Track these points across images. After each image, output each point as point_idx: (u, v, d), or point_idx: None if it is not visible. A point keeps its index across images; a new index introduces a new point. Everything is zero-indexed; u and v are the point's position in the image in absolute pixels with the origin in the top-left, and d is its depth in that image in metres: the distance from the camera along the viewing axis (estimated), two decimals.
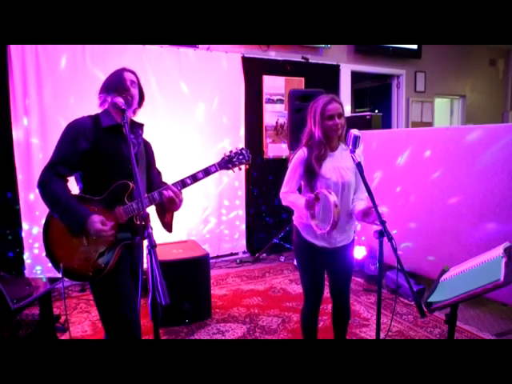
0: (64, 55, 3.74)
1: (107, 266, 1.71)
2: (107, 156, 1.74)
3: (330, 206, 1.84)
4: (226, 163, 1.86)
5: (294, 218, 2.21)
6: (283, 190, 2.13)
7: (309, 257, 2.14)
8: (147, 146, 2.00)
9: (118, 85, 1.78)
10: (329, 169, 2.03)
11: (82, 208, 1.66)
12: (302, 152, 2.08)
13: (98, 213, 1.71)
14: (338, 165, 2.04)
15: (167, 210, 1.86)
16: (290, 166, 2.12)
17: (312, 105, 2.09)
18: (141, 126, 1.92)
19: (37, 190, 1.71)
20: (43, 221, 1.76)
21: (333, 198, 1.82)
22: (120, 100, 1.72)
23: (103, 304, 1.78)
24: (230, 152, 1.88)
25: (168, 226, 1.91)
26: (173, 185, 1.78)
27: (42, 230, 1.76)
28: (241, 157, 1.87)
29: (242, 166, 1.89)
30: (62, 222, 1.67)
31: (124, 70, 1.85)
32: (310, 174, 2.02)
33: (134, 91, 1.81)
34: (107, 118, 1.78)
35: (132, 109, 1.82)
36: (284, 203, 2.14)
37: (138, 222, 1.74)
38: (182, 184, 1.79)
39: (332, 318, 2.30)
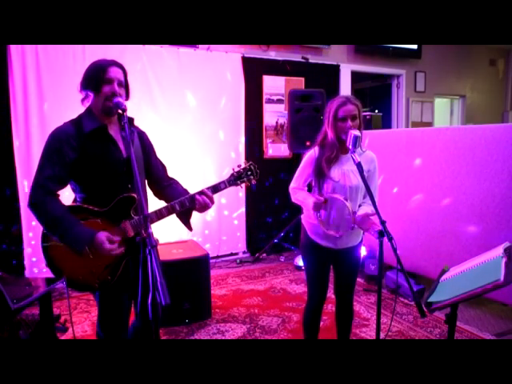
0: (64, 55, 3.74)
1: (114, 279, 1.68)
2: (96, 162, 1.65)
3: (345, 213, 1.93)
4: (236, 180, 1.85)
5: (302, 217, 2.23)
6: (292, 185, 2.17)
7: (314, 256, 2.15)
8: (143, 138, 1.87)
9: (100, 81, 1.63)
10: (338, 171, 2.03)
11: (84, 229, 1.59)
12: (313, 151, 2.09)
13: (102, 226, 1.65)
14: (347, 168, 2.04)
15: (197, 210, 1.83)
16: (302, 163, 2.15)
17: (328, 105, 2.06)
18: (131, 120, 1.76)
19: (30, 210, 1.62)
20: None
21: (350, 206, 1.89)
22: (120, 100, 1.63)
23: (100, 312, 1.80)
24: (239, 167, 1.86)
25: (190, 224, 1.90)
26: (198, 194, 1.76)
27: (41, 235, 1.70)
28: (249, 173, 1.87)
29: (251, 181, 1.89)
30: (63, 243, 1.59)
31: (110, 65, 1.66)
32: (319, 174, 2.04)
33: (122, 91, 1.68)
34: (89, 121, 1.67)
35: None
36: (292, 199, 2.17)
37: (146, 235, 1.67)
38: (191, 200, 1.76)
39: (336, 317, 2.31)
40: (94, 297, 1.82)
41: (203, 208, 1.78)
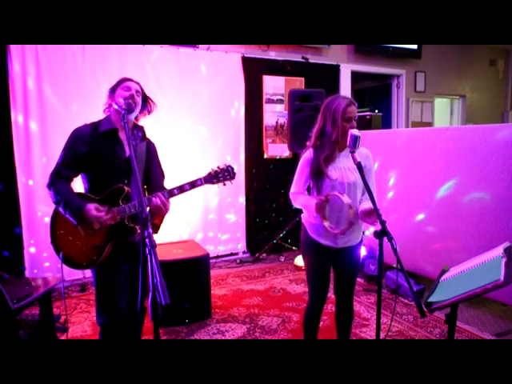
0: (64, 55, 3.73)
1: (99, 259, 1.91)
2: (102, 159, 1.93)
3: (342, 207, 1.92)
4: (212, 178, 1.97)
5: (302, 216, 2.22)
6: (292, 190, 2.17)
7: (315, 255, 2.15)
8: (149, 147, 2.11)
9: (119, 85, 1.95)
10: (335, 169, 2.04)
11: (79, 201, 1.89)
12: (308, 153, 2.09)
13: None
14: (344, 165, 2.05)
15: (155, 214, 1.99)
16: (298, 166, 2.15)
17: (328, 105, 2.03)
18: (140, 128, 2.07)
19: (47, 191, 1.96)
20: (47, 218, 1.96)
21: (346, 199, 1.90)
22: (120, 100, 1.85)
23: (97, 292, 1.99)
24: (218, 167, 1.98)
25: (156, 228, 2.02)
26: (161, 193, 1.91)
27: (42, 230, 1.85)
28: (226, 173, 1.98)
29: (227, 182, 1.99)
30: (65, 214, 1.89)
31: (129, 79, 1.99)
32: (317, 174, 2.04)
33: (138, 99, 1.96)
34: (106, 124, 1.96)
35: (134, 114, 1.97)
36: (294, 204, 2.17)
37: (127, 223, 1.92)
38: (170, 194, 1.93)
39: (335, 317, 2.31)
40: (93, 278, 2.01)
41: (157, 210, 1.90)
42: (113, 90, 1.96)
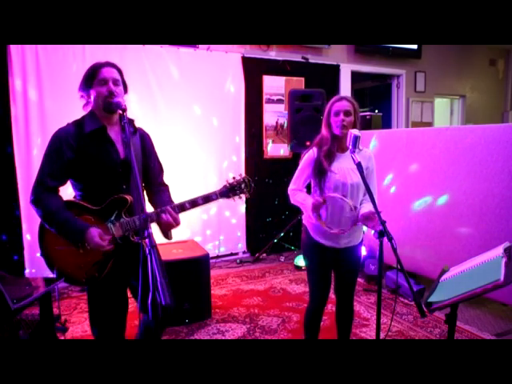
0: (64, 55, 3.74)
1: (100, 276, 1.71)
2: (93, 162, 1.69)
3: (344, 209, 1.98)
4: (228, 192, 1.79)
5: (303, 217, 2.23)
6: (291, 187, 2.18)
7: (317, 256, 2.16)
8: (144, 139, 1.89)
9: (95, 78, 1.68)
10: (338, 168, 2.05)
11: (79, 222, 1.65)
12: (312, 151, 2.11)
13: (94, 223, 1.69)
14: (347, 166, 2.06)
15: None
16: (300, 164, 2.16)
17: (324, 108, 2.15)
18: (131, 121, 1.78)
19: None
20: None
21: (351, 202, 1.94)
22: (120, 100, 1.65)
23: (92, 308, 1.83)
24: (234, 179, 1.80)
25: (168, 234, 1.85)
26: (171, 208, 1.73)
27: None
28: (243, 185, 1.79)
29: (243, 195, 1.81)
30: (60, 235, 1.66)
31: (103, 65, 1.70)
32: (320, 171, 2.05)
33: (119, 90, 1.70)
34: (91, 122, 1.71)
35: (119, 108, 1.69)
36: (292, 201, 2.17)
37: (132, 239, 1.72)
38: (181, 208, 1.75)
39: (336, 317, 2.31)
40: (87, 292, 1.84)
41: (166, 226, 1.73)
42: (89, 84, 1.69)
